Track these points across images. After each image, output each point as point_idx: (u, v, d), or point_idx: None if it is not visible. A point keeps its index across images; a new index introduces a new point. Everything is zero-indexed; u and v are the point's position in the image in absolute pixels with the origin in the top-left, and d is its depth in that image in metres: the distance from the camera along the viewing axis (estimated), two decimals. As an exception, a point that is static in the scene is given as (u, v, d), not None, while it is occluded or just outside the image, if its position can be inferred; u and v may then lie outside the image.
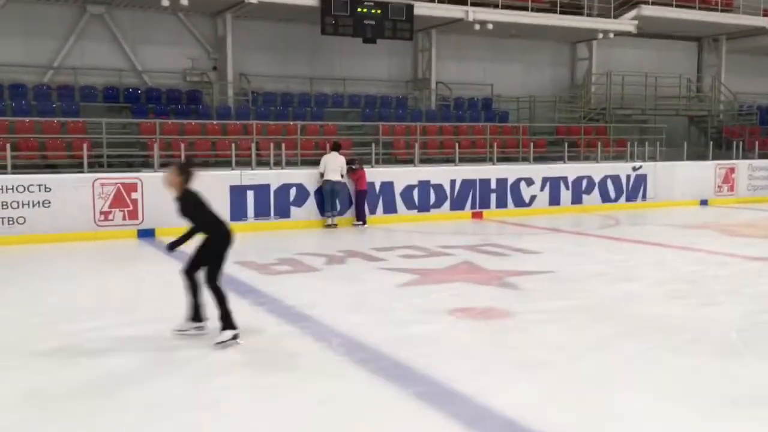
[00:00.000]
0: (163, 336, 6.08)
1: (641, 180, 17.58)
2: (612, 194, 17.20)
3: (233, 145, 14.55)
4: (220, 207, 12.85)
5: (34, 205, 11.57)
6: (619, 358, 5.54)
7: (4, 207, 11.41)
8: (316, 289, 8.14)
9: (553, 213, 16.24)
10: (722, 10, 23.13)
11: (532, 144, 18.43)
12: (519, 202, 16.05)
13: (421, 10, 18.42)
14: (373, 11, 17.72)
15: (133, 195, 12.25)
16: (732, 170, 18.85)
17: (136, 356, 5.63)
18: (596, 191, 17.00)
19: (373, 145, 15.85)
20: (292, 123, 17.09)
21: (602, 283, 8.49)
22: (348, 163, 13.98)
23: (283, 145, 15.11)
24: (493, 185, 15.74)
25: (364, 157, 15.29)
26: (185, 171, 5.95)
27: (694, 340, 5.99)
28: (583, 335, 6.20)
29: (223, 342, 5.79)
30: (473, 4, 19.40)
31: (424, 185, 15.00)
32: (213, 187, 12.82)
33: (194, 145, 15.29)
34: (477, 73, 21.69)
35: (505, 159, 18.03)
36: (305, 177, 13.89)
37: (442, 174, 15.39)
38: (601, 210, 16.72)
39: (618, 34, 21.67)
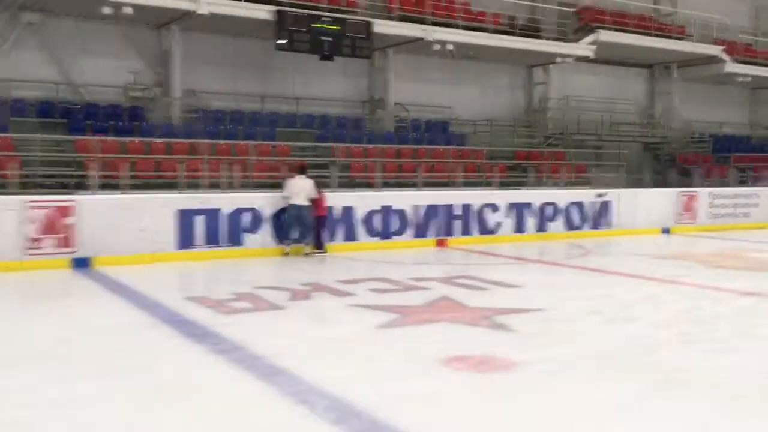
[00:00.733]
0: (103, 398, 4.95)
1: (605, 207, 17.09)
2: (576, 221, 16.64)
3: (180, 165, 13.38)
4: (166, 233, 11.96)
5: (-49, 231, 10.17)
6: (661, 424, 4.68)
7: None
8: (286, 333, 7.08)
9: (519, 240, 15.55)
10: (676, 38, 23.21)
11: (496, 169, 17.80)
12: (484, 229, 15.31)
13: (380, 27, 17.70)
14: (331, 27, 16.89)
15: (68, 220, 10.94)
16: (693, 198, 18.58)
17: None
18: (561, 218, 16.42)
19: (332, 168, 14.90)
20: (242, 143, 16.04)
21: (601, 324, 7.70)
22: None
23: (234, 167, 14.03)
24: (458, 211, 14.96)
25: (321, 180, 14.29)
26: None
27: (739, 397, 5.19)
28: (604, 392, 5.33)
29: None
30: (433, 24, 18.81)
31: (387, 211, 14.10)
32: (157, 211, 11.77)
33: (136, 164, 14.06)
34: (434, 94, 21.06)
35: (467, 184, 17.34)
36: (260, 200, 12.84)
37: (404, 199, 14.53)
38: (567, 238, 16.12)
39: (576, 59, 21.40)
